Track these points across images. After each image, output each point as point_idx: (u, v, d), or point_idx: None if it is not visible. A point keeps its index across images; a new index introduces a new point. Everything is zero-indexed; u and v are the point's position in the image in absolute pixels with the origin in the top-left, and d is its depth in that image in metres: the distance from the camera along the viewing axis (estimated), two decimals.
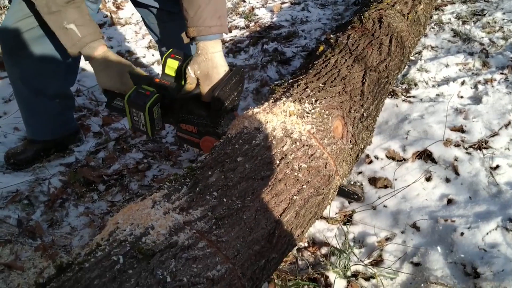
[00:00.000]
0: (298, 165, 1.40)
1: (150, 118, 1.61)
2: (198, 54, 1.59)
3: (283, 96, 1.64)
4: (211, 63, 1.59)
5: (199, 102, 1.64)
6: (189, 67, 1.60)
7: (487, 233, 1.63)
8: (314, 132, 1.49)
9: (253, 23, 3.84)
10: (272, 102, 1.61)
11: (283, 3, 4.14)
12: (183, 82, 1.67)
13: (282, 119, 1.49)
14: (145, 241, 1.07)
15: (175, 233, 1.10)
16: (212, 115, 1.63)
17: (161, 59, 1.69)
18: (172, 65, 1.64)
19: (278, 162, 1.36)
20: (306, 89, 1.66)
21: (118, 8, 4.18)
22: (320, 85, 1.70)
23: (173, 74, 1.65)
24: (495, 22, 3.05)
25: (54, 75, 2.06)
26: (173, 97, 1.65)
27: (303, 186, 1.38)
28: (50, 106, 2.19)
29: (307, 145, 1.45)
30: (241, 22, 3.89)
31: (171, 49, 1.69)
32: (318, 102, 1.59)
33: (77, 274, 1.00)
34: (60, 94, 2.19)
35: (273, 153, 1.38)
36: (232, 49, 3.47)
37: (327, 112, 1.57)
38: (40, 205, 2.07)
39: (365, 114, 1.77)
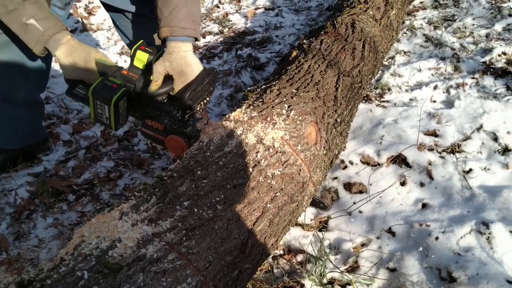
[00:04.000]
0: (272, 172, 1.37)
1: (115, 112, 1.54)
2: (170, 52, 1.55)
3: (255, 102, 1.61)
4: (184, 61, 1.55)
5: (168, 99, 1.60)
6: (157, 65, 1.54)
7: (461, 237, 1.63)
8: (287, 139, 1.47)
9: (227, 29, 3.82)
10: (245, 109, 1.58)
11: (257, 8, 4.13)
12: (151, 77, 1.59)
13: (254, 125, 1.46)
14: (111, 254, 1.03)
15: (144, 246, 1.06)
16: (182, 115, 1.58)
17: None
18: (142, 57, 1.57)
19: (251, 169, 1.33)
20: (279, 95, 1.64)
21: (89, 13, 4.10)
22: (293, 90, 1.68)
23: (141, 67, 1.58)
24: (465, 28, 3.09)
25: (24, 80, 1.98)
26: (140, 92, 1.58)
27: (277, 194, 1.36)
28: (18, 113, 2.11)
29: (280, 152, 1.43)
30: (215, 27, 3.86)
31: (141, 41, 1.62)
32: (291, 108, 1.57)
33: None
34: (30, 100, 2.11)
35: (246, 160, 1.35)
36: (206, 55, 3.43)
37: (300, 118, 1.55)
38: (5, 217, 1.99)
39: (338, 120, 1.76)
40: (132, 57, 1.59)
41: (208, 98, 1.66)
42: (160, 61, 1.55)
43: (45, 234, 1.92)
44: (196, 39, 1.62)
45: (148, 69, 1.60)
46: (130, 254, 1.04)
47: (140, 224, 1.11)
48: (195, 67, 1.58)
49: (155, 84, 1.55)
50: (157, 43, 1.59)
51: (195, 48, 3.55)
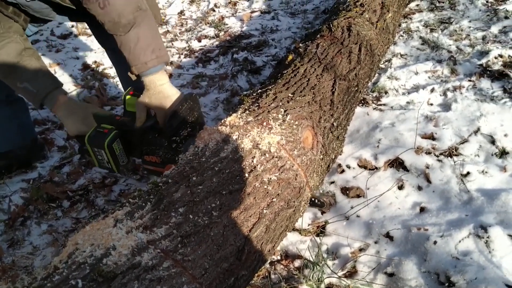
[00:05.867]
0: (268, 177, 1.36)
1: (112, 154, 1.65)
2: (147, 89, 1.61)
3: (251, 106, 1.60)
4: (161, 94, 1.60)
5: (156, 132, 1.67)
6: (138, 102, 1.62)
7: (460, 241, 1.62)
8: (283, 143, 1.46)
9: (223, 32, 3.81)
10: (241, 113, 1.57)
11: (253, 12, 4.12)
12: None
13: (250, 130, 1.45)
14: (106, 262, 1.01)
15: (138, 253, 1.05)
16: (168, 141, 1.64)
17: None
18: (132, 102, 1.67)
19: (247, 175, 1.32)
20: (275, 99, 1.63)
21: None
22: (289, 95, 1.67)
23: (134, 110, 1.67)
24: (461, 30, 3.09)
25: None
26: (134, 132, 1.68)
27: (273, 199, 1.35)
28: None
29: (276, 157, 1.41)
30: (211, 31, 3.86)
31: (130, 87, 1.72)
32: (287, 112, 1.56)
33: None
34: (8, 99, 2.11)
35: (242, 165, 1.34)
36: (201, 59, 3.42)
37: (296, 122, 1.54)
38: None
39: (335, 124, 1.75)
40: (124, 104, 1.71)
41: (196, 122, 1.71)
42: (141, 98, 1.62)
43: (39, 241, 1.91)
44: (166, 63, 1.67)
45: None
46: (124, 262, 1.02)
47: (135, 232, 1.09)
48: (174, 98, 1.63)
49: (139, 120, 1.65)
50: (134, 79, 1.66)
51: (191, 52, 3.54)
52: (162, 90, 1.60)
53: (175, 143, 1.63)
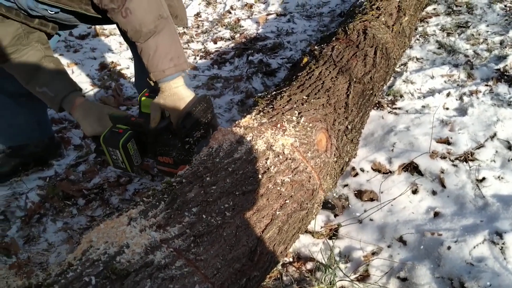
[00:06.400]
0: (281, 179, 1.36)
1: (126, 155, 1.67)
2: (162, 91, 1.64)
3: (266, 108, 1.60)
4: (176, 96, 1.63)
5: (170, 133, 1.69)
6: (153, 103, 1.65)
7: (474, 247, 1.61)
8: (297, 145, 1.46)
9: (238, 34, 3.82)
10: (255, 115, 1.57)
11: (268, 14, 4.13)
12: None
13: (264, 132, 1.46)
14: (119, 260, 1.03)
15: (151, 252, 1.06)
16: (181, 142, 1.66)
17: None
18: (147, 103, 1.70)
19: (260, 176, 1.33)
20: (289, 102, 1.63)
21: None
22: (304, 97, 1.67)
23: (149, 111, 1.69)
24: (479, 34, 3.06)
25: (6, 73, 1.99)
26: (148, 133, 1.70)
27: (286, 201, 1.35)
28: (16, 104, 2.14)
29: (290, 159, 1.42)
30: (227, 33, 3.87)
31: (146, 89, 1.75)
32: (301, 114, 1.56)
33: None
34: (21, 92, 2.12)
35: (255, 167, 1.34)
36: (217, 61, 3.44)
37: (310, 124, 1.54)
38: (16, 221, 2.01)
39: (349, 127, 1.75)
40: (139, 105, 1.74)
41: (209, 124, 1.73)
42: (156, 100, 1.66)
43: (54, 238, 1.93)
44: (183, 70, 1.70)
45: None
46: (137, 260, 1.03)
47: (148, 230, 1.11)
48: (188, 99, 1.65)
49: (154, 121, 1.67)
50: (153, 85, 1.70)
51: (207, 54, 3.56)
52: (177, 92, 1.63)
53: (188, 144, 1.65)
